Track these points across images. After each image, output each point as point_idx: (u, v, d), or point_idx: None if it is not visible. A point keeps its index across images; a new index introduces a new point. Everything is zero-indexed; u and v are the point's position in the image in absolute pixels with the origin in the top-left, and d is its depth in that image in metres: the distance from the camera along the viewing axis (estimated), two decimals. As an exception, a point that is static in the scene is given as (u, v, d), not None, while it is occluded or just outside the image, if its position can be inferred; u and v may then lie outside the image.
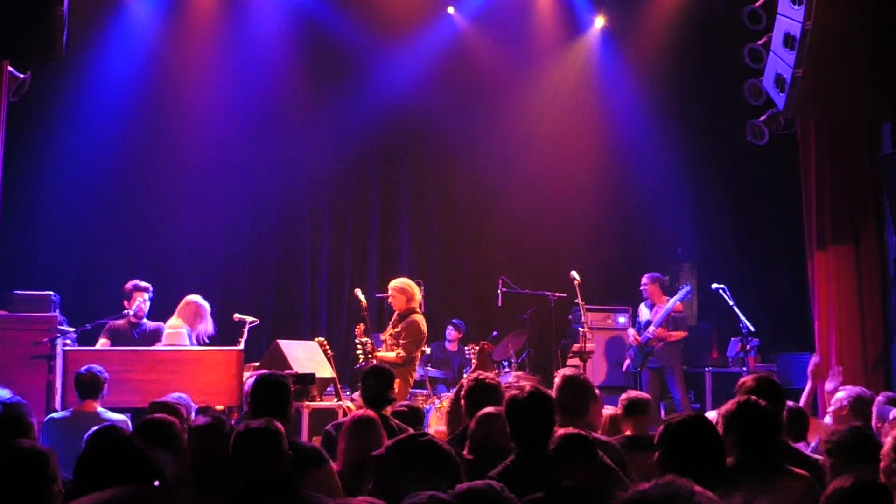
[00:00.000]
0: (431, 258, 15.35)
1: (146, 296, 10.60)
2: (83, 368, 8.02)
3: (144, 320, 10.61)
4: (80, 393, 7.93)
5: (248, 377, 8.01)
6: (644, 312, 12.87)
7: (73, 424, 7.26)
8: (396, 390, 9.38)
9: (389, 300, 10.67)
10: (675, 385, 12.55)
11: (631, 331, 12.98)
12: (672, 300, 12.60)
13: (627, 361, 12.95)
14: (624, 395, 6.79)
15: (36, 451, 3.93)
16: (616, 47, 15.17)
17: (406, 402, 7.58)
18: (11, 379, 8.97)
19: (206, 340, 10.59)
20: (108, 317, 10.56)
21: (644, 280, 12.90)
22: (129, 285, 10.69)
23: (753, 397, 4.96)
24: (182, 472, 4.71)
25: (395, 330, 10.41)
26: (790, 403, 6.40)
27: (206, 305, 10.75)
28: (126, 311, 10.49)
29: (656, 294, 12.82)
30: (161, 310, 10.92)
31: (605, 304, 14.09)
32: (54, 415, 8.15)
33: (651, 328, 12.52)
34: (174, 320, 10.53)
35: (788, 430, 5.87)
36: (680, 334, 12.67)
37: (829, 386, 9.76)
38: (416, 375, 11.01)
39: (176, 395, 7.13)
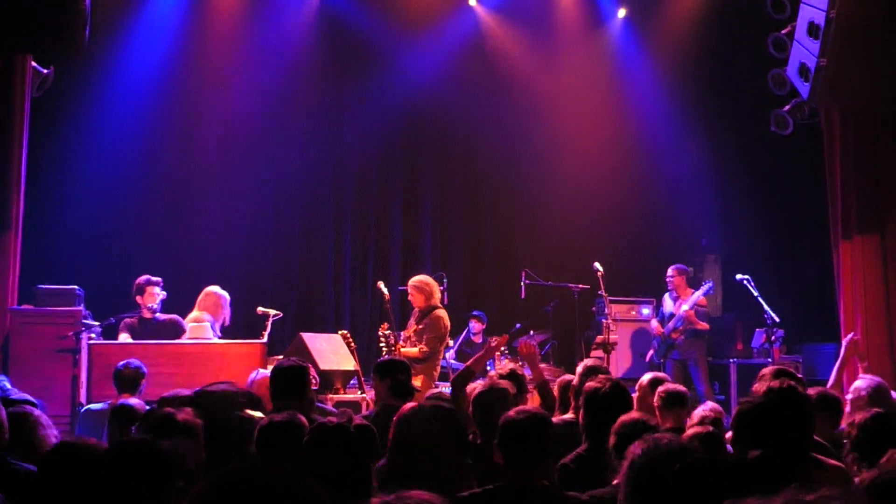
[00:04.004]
0: (454, 250, 15.33)
1: (156, 289, 10.58)
2: (122, 363, 8.06)
3: (157, 314, 10.60)
4: (119, 387, 7.97)
5: (253, 375, 8.01)
6: (668, 304, 12.82)
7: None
8: (420, 385, 9.41)
9: (409, 298, 10.65)
10: (699, 377, 12.49)
11: (654, 322, 12.92)
12: (695, 294, 12.53)
13: (651, 352, 12.91)
14: (662, 388, 6.70)
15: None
16: (639, 37, 15.10)
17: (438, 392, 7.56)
18: (37, 373, 9.06)
19: (219, 333, 10.60)
20: (124, 314, 10.59)
21: (670, 272, 12.84)
22: (141, 279, 10.66)
23: (791, 382, 4.87)
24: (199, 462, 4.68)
25: (419, 327, 10.38)
26: (824, 390, 6.36)
27: (226, 295, 10.76)
28: (152, 306, 10.48)
29: (682, 286, 12.76)
30: (184, 303, 10.94)
31: (628, 295, 14.04)
32: (92, 406, 8.21)
33: (685, 307, 12.44)
34: (196, 313, 10.53)
35: (823, 418, 5.78)
36: (703, 325, 12.61)
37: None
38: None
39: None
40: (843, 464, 4.89)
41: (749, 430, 4.61)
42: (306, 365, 6.48)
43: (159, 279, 10.66)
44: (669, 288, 12.87)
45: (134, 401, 7.64)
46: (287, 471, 2.26)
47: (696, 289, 12.78)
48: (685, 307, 12.48)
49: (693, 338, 12.53)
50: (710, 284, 12.76)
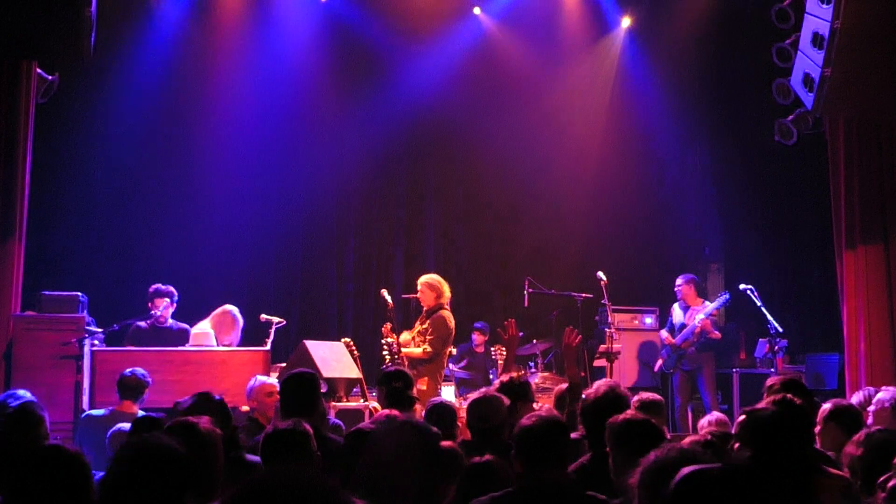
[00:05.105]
0: (457, 258, 15.32)
1: (167, 300, 10.59)
2: (128, 371, 8.18)
3: (170, 320, 10.64)
4: (122, 393, 8.03)
5: (252, 383, 8.05)
6: (678, 314, 12.75)
7: (111, 423, 7.27)
8: (425, 389, 9.39)
9: (418, 296, 10.61)
10: (706, 387, 12.46)
11: (664, 333, 12.87)
12: (711, 306, 12.46)
13: (660, 362, 12.89)
14: (636, 397, 6.72)
15: (70, 452, 3.80)
16: (643, 47, 15.09)
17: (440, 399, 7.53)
18: (40, 379, 9.05)
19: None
20: (134, 318, 10.60)
21: (679, 281, 12.80)
22: (151, 289, 10.72)
23: (789, 395, 4.87)
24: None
25: (423, 326, 10.35)
26: (841, 401, 6.31)
27: (241, 319, 10.72)
28: (154, 313, 10.51)
29: (691, 296, 12.71)
30: (187, 310, 10.95)
31: (631, 304, 14.01)
32: (93, 412, 8.24)
33: (700, 317, 12.41)
34: (204, 324, 10.52)
35: (841, 430, 5.70)
36: (715, 334, 12.60)
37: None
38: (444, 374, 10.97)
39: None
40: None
41: (752, 440, 4.61)
42: (315, 375, 6.47)
43: (168, 289, 10.69)
44: (678, 297, 12.82)
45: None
46: (318, 477, 2.27)
47: (705, 299, 12.77)
48: (700, 316, 12.43)
49: (703, 349, 12.51)
50: (727, 296, 12.60)
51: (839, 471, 4.82)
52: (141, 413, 7.88)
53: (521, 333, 13.43)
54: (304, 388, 6.27)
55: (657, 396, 7.02)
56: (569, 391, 7.16)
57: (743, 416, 4.97)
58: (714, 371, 12.63)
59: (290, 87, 14.18)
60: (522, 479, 4.55)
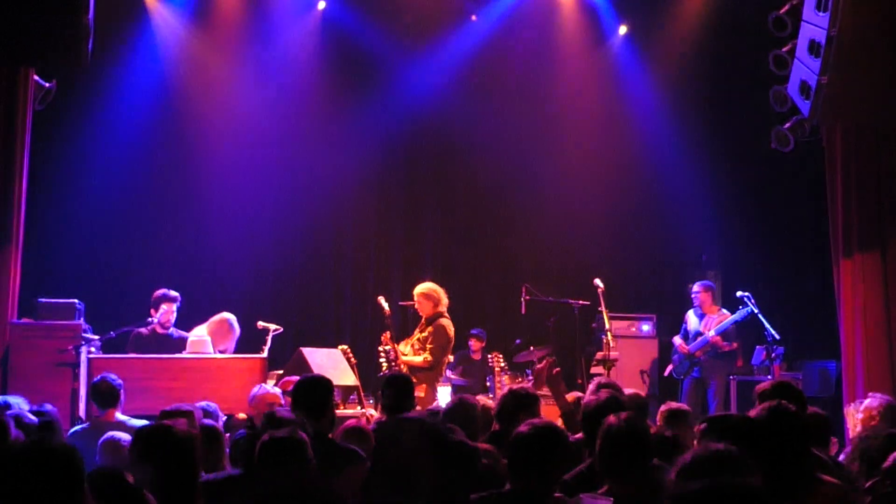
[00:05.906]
0: (455, 265, 15.29)
1: (174, 306, 10.62)
2: (97, 378, 8.04)
3: (171, 329, 10.64)
4: (99, 403, 7.94)
5: (255, 390, 8.07)
6: (693, 321, 12.76)
7: (95, 435, 7.21)
8: (423, 396, 9.39)
9: (416, 306, 10.60)
10: (714, 395, 12.49)
11: (677, 339, 12.87)
12: (731, 318, 12.44)
13: (670, 367, 12.90)
14: (664, 406, 6.80)
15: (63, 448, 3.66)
16: (640, 54, 15.09)
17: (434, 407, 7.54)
18: (36, 387, 9.03)
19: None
20: (132, 324, 10.60)
21: (696, 288, 12.82)
22: (157, 294, 10.73)
23: (784, 402, 4.85)
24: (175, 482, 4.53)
25: (423, 334, 10.33)
26: (812, 409, 6.32)
27: (237, 329, 10.72)
28: (150, 320, 10.52)
29: (707, 303, 12.73)
30: (184, 317, 10.94)
31: (629, 311, 14.01)
32: (75, 428, 8.10)
33: (711, 333, 12.42)
34: (201, 329, 10.52)
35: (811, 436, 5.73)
36: (732, 345, 12.60)
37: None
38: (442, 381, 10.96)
39: (204, 403, 7.13)
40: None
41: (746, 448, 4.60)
42: (329, 381, 6.46)
43: (176, 295, 10.70)
44: (695, 304, 12.83)
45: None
46: (318, 486, 2.26)
47: (721, 307, 12.79)
48: (711, 332, 12.45)
49: (716, 358, 12.51)
50: (748, 312, 12.48)
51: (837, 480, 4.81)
52: (121, 418, 7.81)
53: (528, 346, 13.51)
54: (317, 391, 6.28)
55: (685, 406, 7.07)
56: (568, 416, 7.14)
57: (704, 424, 4.99)
58: (725, 379, 12.64)
59: (288, 95, 14.19)
60: (510, 483, 4.58)
